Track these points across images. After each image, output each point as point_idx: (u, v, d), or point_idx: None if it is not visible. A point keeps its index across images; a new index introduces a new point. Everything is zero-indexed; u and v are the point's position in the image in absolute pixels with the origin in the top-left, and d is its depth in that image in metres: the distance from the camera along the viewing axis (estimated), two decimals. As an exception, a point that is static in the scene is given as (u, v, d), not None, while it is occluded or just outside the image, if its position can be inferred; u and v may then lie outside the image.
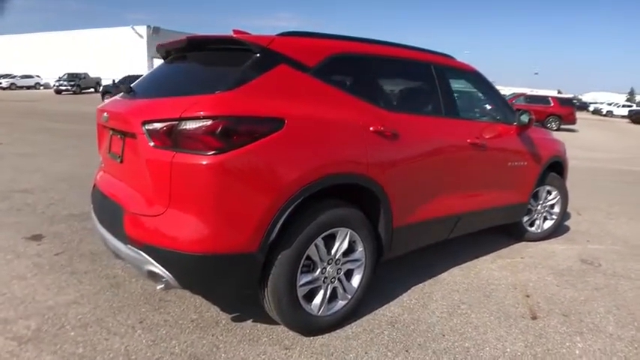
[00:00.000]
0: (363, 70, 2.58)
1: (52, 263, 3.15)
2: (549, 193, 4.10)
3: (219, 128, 1.89)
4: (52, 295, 2.69)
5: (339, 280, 2.43)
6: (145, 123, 2.03)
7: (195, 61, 2.42)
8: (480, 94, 3.50)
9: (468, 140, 3.05)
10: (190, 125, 1.91)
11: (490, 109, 3.48)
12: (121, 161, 2.34)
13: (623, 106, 44.50)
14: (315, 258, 2.27)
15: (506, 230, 4.08)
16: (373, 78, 2.65)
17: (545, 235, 4.17)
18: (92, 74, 32.00)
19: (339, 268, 2.41)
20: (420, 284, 3.08)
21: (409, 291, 2.97)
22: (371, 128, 2.40)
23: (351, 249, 2.43)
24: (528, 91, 28.33)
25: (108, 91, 19.97)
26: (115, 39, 33.70)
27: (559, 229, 4.33)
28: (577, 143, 14.35)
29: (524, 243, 4.07)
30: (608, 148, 14.76)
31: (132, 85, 2.60)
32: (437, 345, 2.36)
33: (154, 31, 31.93)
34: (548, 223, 4.17)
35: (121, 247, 2.20)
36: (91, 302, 2.62)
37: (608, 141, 17.60)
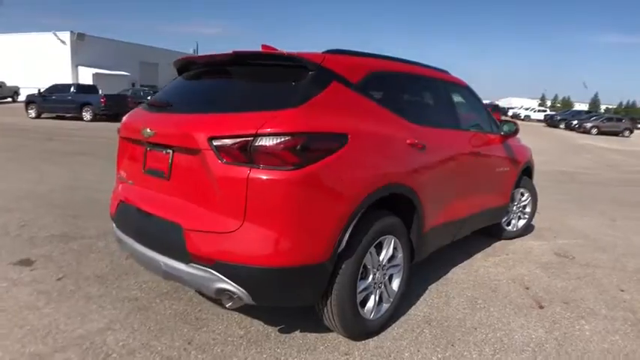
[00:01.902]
0: (395, 86, 2.77)
1: (59, 289, 2.92)
2: (522, 194, 4.59)
3: (298, 144, 1.96)
4: (78, 323, 2.52)
5: (384, 284, 2.56)
6: (212, 139, 2.02)
7: (242, 75, 2.42)
8: (470, 106, 3.86)
9: (471, 149, 3.36)
10: (268, 141, 1.95)
11: (480, 120, 3.84)
12: (168, 178, 2.27)
13: (539, 110, 49.54)
14: (369, 265, 2.39)
15: (485, 230, 4.47)
16: (403, 94, 2.85)
17: (519, 233, 4.64)
18: (9, 83, 28.88)
19: (385, 274, 2.55)
20: (434, 284, 3.31)
21: (427, 291, 3.18)
22: (407, 141, 2.59)
23: (393, 255, 2.59)
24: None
25: (32, 101, 18.19)
26: (35, 45, 30.63)
27: (529, 227, 4.85)
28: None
29: (503, 241, 4.49)
30: (535, 150, 16.36)
31: (167, 100, 2.54)
32: (474, 337, 2.58)
33: (79, 38, 29.55)
34: (521, 222, 4.65)
35: (178, 266, 2.15)
36: (125, 327, 2.49)
37: (534, 143, 19.49)
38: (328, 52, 2.49)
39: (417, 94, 3.07)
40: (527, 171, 4.63)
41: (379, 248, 2.47)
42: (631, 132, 31.65)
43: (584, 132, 30.22)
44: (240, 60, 2.40)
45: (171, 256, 2.17)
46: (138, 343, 2.34)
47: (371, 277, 2.43)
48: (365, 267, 2.37)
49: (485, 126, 3.90)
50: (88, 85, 20.55)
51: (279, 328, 2.57)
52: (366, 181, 2.23)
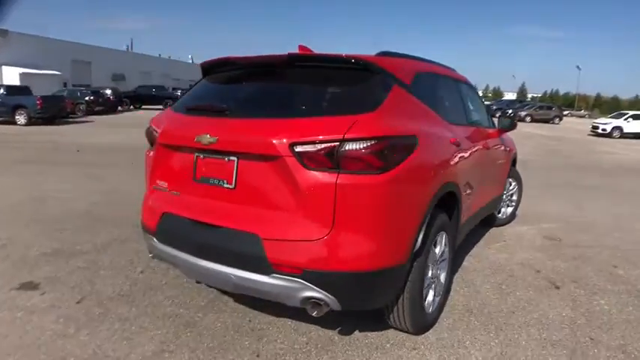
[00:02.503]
0: (433, 87, 2.85)
1: (85, 313, 2.67)
2: (510, 183, 4.93)
3: (383, 148, 1.96)
4: (127, 348, 2.33)
5: (437, 278, 2.66)
6: (294, 145, 1.96)
7: (301, 78, 2.35)
8: (476, 103, 4.07)
9: (484, 144, 3.56)
10: (355, 146, 1.93)
11: (483, 116, 4.06)
12: (234, 186, 2.17)
13: (485, 102, 53.08)
14: (429, 262, 2.47)
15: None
16: (438, 94, 2.94)
17: (508, 220, 4.99)
18: None
19: (438, 268, 2.64)
20: (457, 274, 3.47)
21: (454, 281, 3.33)
22: (450, 140, 2.69)
23: (443, 250, 2.68)
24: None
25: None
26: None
27: (514, 214, 5.22)
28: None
29: (494, 228, 4.81)
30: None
31: (220, 104, 2.40)
32: (516, 320, 2.76)
33: (1, 35, 26.39)
34: (509, 210, 5.00)
35: (255, 278, 2.06)
36: (181, 347, 2.35)
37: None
38: (382, 53, 2.51)
39: (446, 93, 3.19)
40: (514, 161, 4.97)
41: (434, 245, 2.56)
42: (560, 119, 34.43)
43: (519, 120, 32.56)
44: (295, 62, 2.34)
45: (246, 268, 2.08)
46: (204, 362, 2.23)
47: (430, 272, 2.51)
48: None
49: (486, 121, 4.13)
50: (20, 86, 18.62)
51: (337, 330, 2.56)
52: (433, 180, 2.30)
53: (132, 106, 27.39)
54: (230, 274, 2.13)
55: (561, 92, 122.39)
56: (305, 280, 1.97)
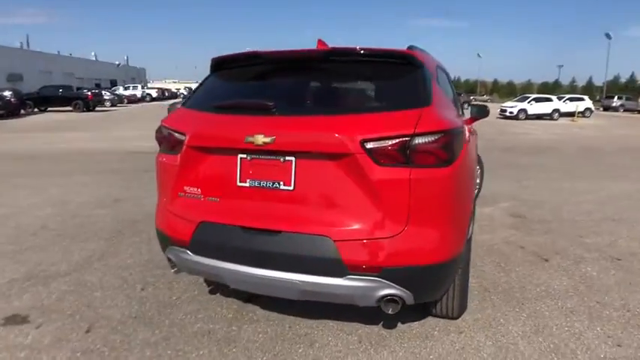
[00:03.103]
0: (445, 79, 2.95)
1: (102, 343, 2.36)
2: (476, 167, 5.30)
3: (450, 141, 1.99)
4: (175, 373, 2.10)
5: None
6: (365, 141, 1.91)
7: (344, 72, 2.28)
8: (454, 91, 4.27)
9: (470, 131, 3.78)
10: (424, 140, 1.93)
11: (458, 104, 4.28)
12: (293, 187, 2.05)
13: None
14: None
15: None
16: (448, 86, 3.04)
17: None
18: None
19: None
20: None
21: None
22: (468, 129, 2.81)
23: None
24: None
25: None
26: None
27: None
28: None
29: (465, 211, 5.14)
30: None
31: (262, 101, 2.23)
32: (530, 294, 2.98)
33: None
34: (474, 192, 5.38)
35: (327, 281, 1.98)
36: (234, 363, 2.19)
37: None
38: (411, 47, 2.52)
39: (449, 85, 3.30)
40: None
41: None
42: (469, 104, 37.29)
43: None
44: (334, 56, 2.26)
45: (317, 273, 1.98)
46: (268, 377, 2.10)
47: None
48: None
49: (460, 108, 4.37)
50: None
51: (381, 325, 2.56)
52: (474, 170, 2.40)
53: (36, 109, 24.30)
54: (296, 281, 2.02)
55: (463, 79, 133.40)
56: (384, 279, 1.94)
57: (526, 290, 3.05)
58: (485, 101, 59.37)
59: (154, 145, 2.56)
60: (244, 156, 2.12)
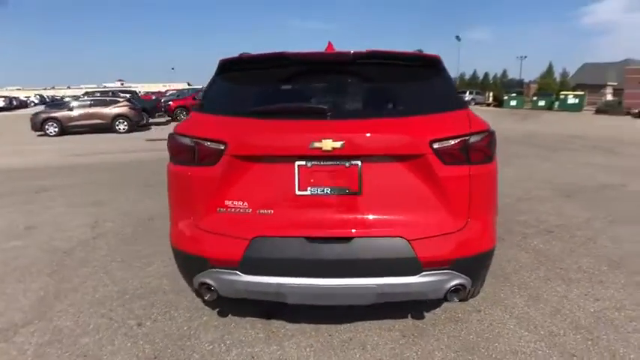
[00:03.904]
0: None
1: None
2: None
3: (492, 139, 2.20)
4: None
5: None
6: (433, 142, 2.01)
7: (382, 75, 2.30)
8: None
9: None
10: (477, 139, 2.10)
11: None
12: (360, 192, 2.04)
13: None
14: None
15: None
16: None
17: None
18: None
19: None
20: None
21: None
22: None
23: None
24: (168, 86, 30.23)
25: None
26: None
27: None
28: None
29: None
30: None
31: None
32: (509, 269, 3.41)
33: None
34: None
35: (403, 281, 2.04)
36: None
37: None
38: (420, 51, 2.67)
39: None
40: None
41: None
42: None
43: None
44: (370, 59, 2.28)
45: (395, 274, 2.01)
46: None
47: None
48: None
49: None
50: None
51: (410, 318, 2.67)
52: None
53: None
54: (372, 285, 2.02)
55: None
56: (454, 270, 2.06)
57: (503, 267, 3.47)
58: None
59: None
60: (303, 163, 2.03)
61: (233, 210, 2.10)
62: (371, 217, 2.05)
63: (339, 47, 2.61)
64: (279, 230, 2.05)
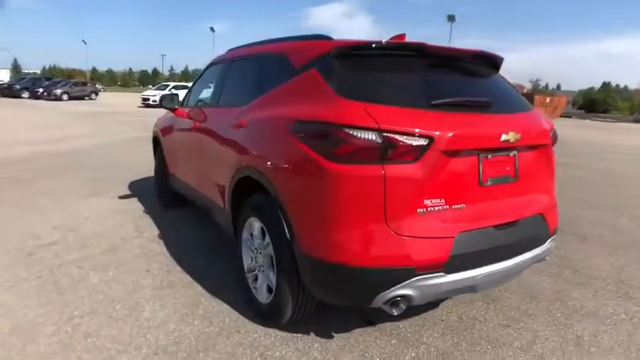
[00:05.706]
0: None
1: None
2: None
3: (555, 134, 2.76)
4: None
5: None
6: (549, 132, 2.60)
7: (483, 71, 2.67)
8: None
9: None
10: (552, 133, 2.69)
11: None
12: (516, 178, 2.40)
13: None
14: None
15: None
16: None
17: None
18: None
19: None
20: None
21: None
22: None
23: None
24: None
25: None
26: None
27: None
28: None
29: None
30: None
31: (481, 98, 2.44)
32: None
33: None
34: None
35: (540, 251, 2.48)
36: None
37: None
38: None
39: None
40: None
41: None
42: (96, 94, 34.20)
43: (56, 99, 29.27)
44: (479, 57, 2.61)
45: (535, 247, 2.44)
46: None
47: None
48: None
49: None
50: None
51: (428, 323, 2.75)
52: None
53: None
54: (521, 260, 2.36)
55: (63, 67, 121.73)
56: (554, 235, 2.64)
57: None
58: (100, 90, 43.26)
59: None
60: (485, 155, 2.23)
61: (433, 209, 2.06)
62: (524, 199, 2.45)
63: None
64: (475, 223, 2.15)
